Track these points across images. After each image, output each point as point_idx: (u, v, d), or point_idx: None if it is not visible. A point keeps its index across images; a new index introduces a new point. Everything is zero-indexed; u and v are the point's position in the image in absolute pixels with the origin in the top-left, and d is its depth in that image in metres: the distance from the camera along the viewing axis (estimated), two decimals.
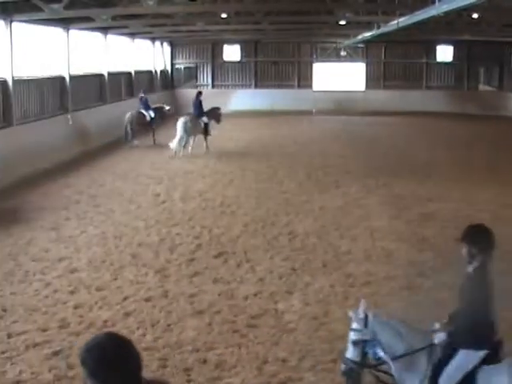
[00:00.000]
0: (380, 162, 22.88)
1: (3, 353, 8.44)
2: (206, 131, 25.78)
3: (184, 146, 24.89)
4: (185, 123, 24.83)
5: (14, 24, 21.63)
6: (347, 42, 40.92)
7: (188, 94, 40.59)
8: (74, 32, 27.13)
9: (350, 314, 6.32)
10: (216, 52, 45.61)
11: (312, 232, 14.32)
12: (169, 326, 9.37)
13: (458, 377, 5.79)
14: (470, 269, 5.92)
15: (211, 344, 8.75)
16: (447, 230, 13.63)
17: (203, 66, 45.86)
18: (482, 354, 5.78)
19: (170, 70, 45.42)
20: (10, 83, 21.65)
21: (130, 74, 36.34)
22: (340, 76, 45.16)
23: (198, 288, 10.90)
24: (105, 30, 30.47)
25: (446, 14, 19.19)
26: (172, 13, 26.34)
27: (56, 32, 25.94)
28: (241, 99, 43.13)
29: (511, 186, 18.77)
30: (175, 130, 25.06)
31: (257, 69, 45.75)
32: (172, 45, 45.13)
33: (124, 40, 35.25)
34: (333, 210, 16.32)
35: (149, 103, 28.88)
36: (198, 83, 45.05)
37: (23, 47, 23.10)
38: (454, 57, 44.94)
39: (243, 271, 11.78)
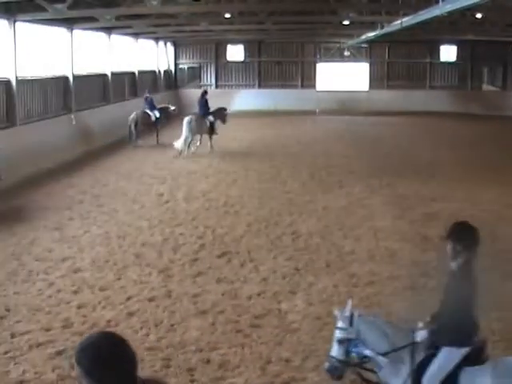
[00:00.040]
0: (384, 162, 22.86)
1: (6, 353, 8.44)
2: (211, 130, 25.77)
3: (189, 146, 24.90)
4: (189, 122, 24.83)
5: (18, 24, 21.66)
6: (351, 41, 40.91)
7: (191, 94, 40.62)
8: (77, 32, 27.15)
9: (336, 312, 6.34)
10: (219, 52, 45.63)
11: (315, 232, 14.31)
12: (172, 325, 9.36)
13: (441, 375, 5.80)
14: (454, 266, 5.93)
15: (215, 344, 8.74)
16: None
17: (207, 66, 45.89)
18: (464, 351, 5.79)
19: (173, 70, 45.44)
20: (14, 83, 21.68)
21: (133, 74, 36.36)
22: (343, 76, 45.12)
23: (202, 288, 10.90)
24: (108, 30, 30.48)
25: (450, 13, 19.17)
26: (176, 13, 26.38)
27: (60, 32, 25.95)
28: (244, 99, 43.12)
29: None
30: (180, 129, 25.10)
31: (260, 69, 45.76)
32: (176, 45, 45.16)
33: (128, 40, 35.27)
34: (336, 210, 16.31)
35: (154, 103, 28.91)
36: (202, 83, 45.05)
37: (27, 47, 23.11)
38: (457, 57, 44.91)
39: (246, 271, 11.77)
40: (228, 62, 45.81)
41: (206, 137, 25.68)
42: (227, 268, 11.95)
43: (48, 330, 9.14)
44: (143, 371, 7.70)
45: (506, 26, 30.34)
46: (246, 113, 39.86)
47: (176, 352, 8.51)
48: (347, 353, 6.19)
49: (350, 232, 14.32)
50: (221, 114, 26.86)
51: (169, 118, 29.89)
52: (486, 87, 45.40)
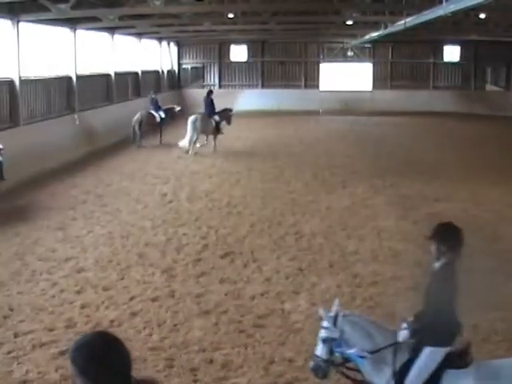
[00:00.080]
0: (387, 162, 22.86)
1: (10, 352, 8.45)
2: (217, 130, 25.78)
3: (194, 144, 24.94)
4: (194, 122, 24.86)
5: (21, 24, 21.67)
6: (354, 42, 40.89)
7: (195, 94, 40.69)
8: (80, 32, 27.17)
9: (321, 312, 6.35)
10: (223, 52, 45.63)
11: (319, 232, 14.31)
12: (175, 325, 9.37)
13: (424, 377, 5.81)
14: (437, 266, 5.97)
15: (218, 344, 8.75)
16: None
17: (210, 66, 45.88)
18: (446, 350, 5.80)
19: (176, 70, 45.45)
20: (17, 83, 21.69)
21: (136, 74, 36.37)
22: (347, 76, 45.09)
23: (205, 288, 10.90)
24: (112, 29, 30.50)
25: (453, 13, 19.17)
26: (179, 13, 26.36)
27: (63, 32, 25.98)
28: (247, 99, 43.07)
29: None
30: (185, 129, 25.13)
31: (263, 69, 45.74)
32: (179, 45, 45.15)
33: (131, 40, 35.28)
34: (339, 210, 16.31)
35: (159, 104, 28.91)
36: (205, 83, 45.07)
37: (30, 47, 23.13)
38: (461, 57, 44.85)
39: (250, 271, 11.77)
40: (231, 62, 45.80)
41: (210, 136, 25.71)
42: (230, 268, 11.95)
43: (51, 329, 9.15)
44: (146, 371, 7.72)
45: (510, 26, 30.29)
46: (249, 113, 39.83)
47: (179, 352, 8.51)
48: (331, 352, 6.22)
49: (353, 232, 14.32)
50: (226, 114, 26.84)
51: (174, 119, 29.89)
52: (489, 87, 45.35)
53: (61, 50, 26.15)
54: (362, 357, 6.02)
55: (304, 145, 27.87)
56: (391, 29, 27.72)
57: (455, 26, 31.22)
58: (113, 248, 13.17)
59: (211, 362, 8.26)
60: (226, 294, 10.60)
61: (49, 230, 14.42)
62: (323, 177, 20.63)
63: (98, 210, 16.41)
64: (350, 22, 30.58)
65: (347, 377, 6.42)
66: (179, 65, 45.74)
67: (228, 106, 27.76)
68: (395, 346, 5.96)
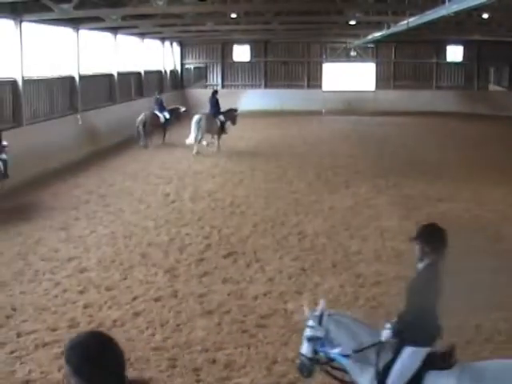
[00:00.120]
0: (390, 163, 22.84)
1: (12, 352, 8.45)
2: (221, 130, 25.79)
3: (199, 143, 24.96)
4: (198, 122, 24.90)
5: (24, 24, 21.68)
6: (357, 42, 40.89)
7: (198, 94, 40.75)
8: (83, 32, 27.18)
9: (306, 311, 6.36)
10: (226, 52, 45.64)
11: (322, 232, 14.30)
12: (178, 325, 9.36)
13: (406, 377, 5.79)
14: (421, 266, 5.99)
15: (220, 344, 8.74)
16: (457, 230, 13.56)
17: (213, 66, 45.90)
18: (427, 350, 5.79)
19: (179, 70, 45.46)
20: (20, 83, 21.71)
21: (139, 74, 36.38)
22: (350, 76, 45.06)
23: (208, 288, 10.90)
24: (114, 30, 30.51)
25: (456, 13, 19.15)
26: (182, 13, 26.38)
27: (66, 32, 25.98)
28: (250, 99, 43.04)
29: None
30: (189, 129, 25.15)
31: (266, 69, 45.75)
32: (182, 45, 45.18)
33: (134, 40, 35.30)
34: (342, 210, 16.29)
35: (164, 104, 28.90)
36: (208, 83, 45.13)
37: (33, 47, 23.15)
38: (463, 57, 44.83)
39: (253, 271, 11.77)
40: (234, 62, 45.81)
41: (215, 136, 25.73)
42: (233, 268, 11.95)
43: (54, 329, 9.15)
44: (149, 371, 7.72)
45: None
46: (252, 113, 39.81)
47: (182, 352, 8.51)
48: (315, 351, 6.23)
49: (356, 232, 14.31)
50: (231, 114, 26.85)
51: (179, 119, 29.88)
52: (492, 87, 45.29)
53: (63, 50, 26.15)
54: (345, 356, 6.02)
55: (307, 145, 27.87)
56: (394, 29, 27.68)
57: (458, 26, 31.19)
58: (116, 248, 13.17)
59: (214, 361, 8.25)
60: (228, 294, 10.60)
61: (51, 230, 14.42)
62: (326, 177, 20.62)
63: (100, 209, 16.42)
64: (352, 22, 30.59)
65: (334, 377, 6.43)
66: (182, 65, 45.75)
67: (233, 107, 27.79)
68: (379, 345, 5.95)
